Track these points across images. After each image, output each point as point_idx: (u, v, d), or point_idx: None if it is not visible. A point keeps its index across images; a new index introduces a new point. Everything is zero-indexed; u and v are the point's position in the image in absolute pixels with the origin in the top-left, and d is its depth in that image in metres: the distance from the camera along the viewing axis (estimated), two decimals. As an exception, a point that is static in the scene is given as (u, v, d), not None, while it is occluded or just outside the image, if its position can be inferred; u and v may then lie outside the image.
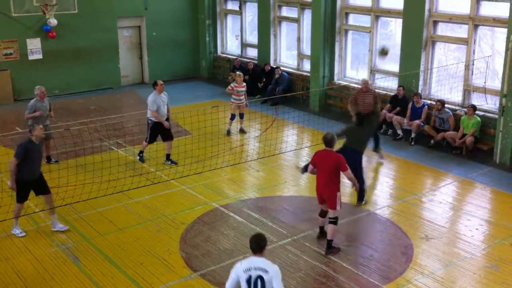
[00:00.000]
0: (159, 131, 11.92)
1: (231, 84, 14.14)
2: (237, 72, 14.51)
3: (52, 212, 9.16)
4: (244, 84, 14.21)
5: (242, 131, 14.30)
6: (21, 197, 8.83)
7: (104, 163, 11.10)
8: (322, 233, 8.85)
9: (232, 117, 14.16)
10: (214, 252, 8.53)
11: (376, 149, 12.34)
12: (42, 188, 8.99)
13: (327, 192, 8.34)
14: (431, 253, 8.52)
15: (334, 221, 8.39)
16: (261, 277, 5.26)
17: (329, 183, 8.28)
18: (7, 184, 10.85)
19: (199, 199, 10.44)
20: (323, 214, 8.68)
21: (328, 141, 8.36)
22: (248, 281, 5.29)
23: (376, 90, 13.11)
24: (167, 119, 12.02)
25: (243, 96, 14.11)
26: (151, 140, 12.03)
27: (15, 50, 17.37)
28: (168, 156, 12.13)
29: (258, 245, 5.41)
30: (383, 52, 13.02)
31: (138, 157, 12.23)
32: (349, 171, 8.34)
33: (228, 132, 14.14)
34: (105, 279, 7.85)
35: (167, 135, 12.06)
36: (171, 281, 7.79)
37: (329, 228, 8.44)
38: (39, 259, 8.35)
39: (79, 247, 8.70)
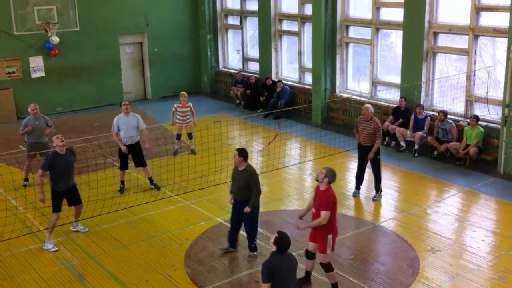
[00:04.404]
0: (126, 155, 11.24)
1: (175, 104, 13.68)
2: (182, 92, 13.81)
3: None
4: (189, 104, 13.57)
5: (193, 152, 13.64)
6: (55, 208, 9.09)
7: (108, 180, 11.11)
8: None
9: (178, 137, 13.68)
10: (219, 267, 8.50)
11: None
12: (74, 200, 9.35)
13: None
14: (438, 265, 8.48)
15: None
16: None
17: None
18: (11, 202, 10.88)
19: (203, 214, 10.42)
20: None
21: None
22: None
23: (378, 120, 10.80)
24: (138, 143, 11.26)
25: (188, 116, 13.59)
26: (121, 165, 11.33)
27: (17, 68, 17.46)
28: (151, 180, 11.55)
29: None
30: None
31: (119, 188, 11.42)
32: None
33: (176, 152, 13.55)
34: (110, 297, 7.84)
35: (137, 161, 11.42)
36: (177, 298, 7.78)
37: None
38: (44, 277, 8.32)
39: (84, 264, 8.68)
